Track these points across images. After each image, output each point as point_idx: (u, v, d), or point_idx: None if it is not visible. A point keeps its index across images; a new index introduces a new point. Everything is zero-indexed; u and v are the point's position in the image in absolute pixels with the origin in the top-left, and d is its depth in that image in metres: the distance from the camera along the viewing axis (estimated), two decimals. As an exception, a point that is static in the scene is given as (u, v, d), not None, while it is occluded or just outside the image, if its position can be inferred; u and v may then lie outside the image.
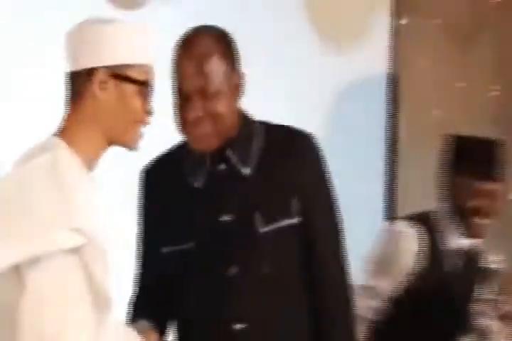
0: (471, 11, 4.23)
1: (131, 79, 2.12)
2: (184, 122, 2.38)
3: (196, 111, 2.33)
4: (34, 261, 1.92)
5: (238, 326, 2.35)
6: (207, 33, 2.41)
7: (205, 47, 2.37)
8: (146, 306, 2.50)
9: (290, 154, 2.45)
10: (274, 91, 3.89)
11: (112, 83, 2.12)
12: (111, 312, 2.05)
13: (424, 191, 4.05)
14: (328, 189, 2.50)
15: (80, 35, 2.17)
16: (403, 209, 4.07)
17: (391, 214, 4.13)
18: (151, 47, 2.21)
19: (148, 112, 2.15)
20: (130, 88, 2.13)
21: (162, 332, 2.50)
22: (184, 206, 2.43)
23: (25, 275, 1.92)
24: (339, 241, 2.51)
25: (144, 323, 2.38)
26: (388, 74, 4.16)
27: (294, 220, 2.40)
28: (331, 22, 4.17)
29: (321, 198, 2.49)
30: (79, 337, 1.96)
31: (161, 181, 2.50)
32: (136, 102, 2.14)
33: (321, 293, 2.46)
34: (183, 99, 2.36)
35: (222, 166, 2.40)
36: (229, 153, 2.40)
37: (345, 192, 3.29)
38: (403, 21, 4.11)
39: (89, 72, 2.11)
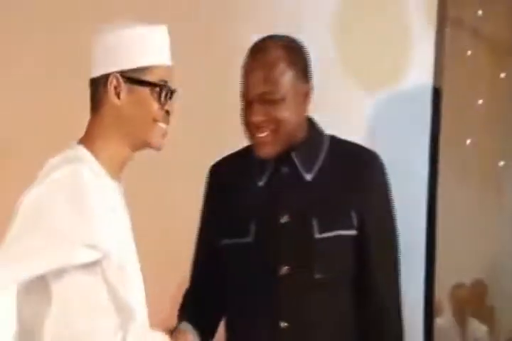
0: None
1: (144, 82, 2.15)
2: (247, 126, 2.43)
3: (258, 116, 2.38)
4: (58, 273, 1.96)
5: (283, 324, 2.39)
6: (277, 41, 2.46)
7: (273, 55, 2.42)
8: (194, 307, 2.56)
9: (356, 169, 2.50)
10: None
11: (125, 87, 2.15)
12: (136, 321, 2.07)
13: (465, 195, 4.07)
14: (390, 207, 2.54)
15: (96, 42, 2.22)
16: (444, 215, 3.95)
17: (433, 219, 3.95)
18: (165, 47, 2.24)
19: (167, 112, 2.18)
20: (144, 90, 2.16)
21: (208, 333, 2.54)
22: (246, 201, 2.48)
23: (51, 287, 1.96)
24: (392, 255, 2.53)
25: (185, 325, 2.42)
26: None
27: (351, 232, 2.45)
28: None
29: (381, 215, 2.53)
30: (108, 329, 1.99)
31: (228, 176, 2.56)
32: (153, 104, 2.16)
33: (372, 299, 2.49)
34: (248, 104, 2.41)
35: (286, 169, 2.45)
36: (294, 157, 2.44)
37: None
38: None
39: (105, 79, 2.15)
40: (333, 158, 2.52)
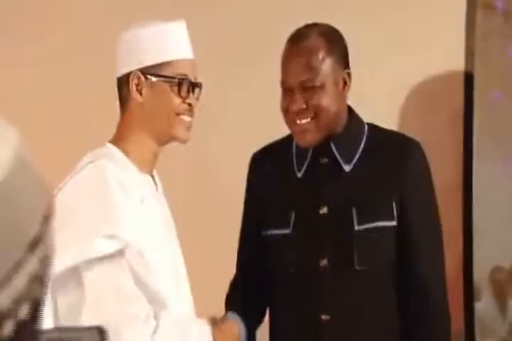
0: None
1: (163, 77, 2.19)
2: (287, 114, 2.42)
3: (299, 103, 2.37)
4: (88, 264, 2.02)
5: (324, 317, 2.37)
6: (315, 30, 2.44)
7: (312, 43, 2.41)
8: (240, 297, 2.55)
9: (396, 158, 2.47)
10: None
11: (147, 84, 2.19)
12: (167, 309, 2.11)
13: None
14: (431, 197, 2.52)
15: (119, 43, 2.26)
16: (481, 198, 3.97)
17: (469, 201, 3.98)
18: (184, 42, 2.26)
19: (190, 104, 2.20)
20: (165, 85, 2.20)
21: (254, 323, 2.52)
22: (286, 192, 2.46)
23: (82, 278, 2.02)
24: (436, 245, 2.50)
25: (231, 315, 2.41)
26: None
27: (392, 223, 2.42)
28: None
29: (422, 206, 2.50)
30: (135, 332, 2.04)
31: (268, 167, 2.54)
32: (174, 98, 2.20)
33: (416, 290, 2.45)
34: (288, 92, 2.40)
35: (325, 160, 2.43)
36: (333, 147, 2.41)
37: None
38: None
39: (127, 77, 2.20)
40: (372, 147, 2.48)
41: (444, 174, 3.89)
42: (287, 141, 2.54)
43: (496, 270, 4.01)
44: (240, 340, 2.38)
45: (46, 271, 0.62)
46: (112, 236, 2.03)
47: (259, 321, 2.57)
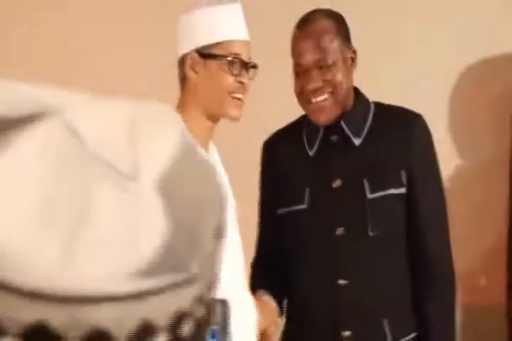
0: None
1: (216, 56, 2.26)
2: (304, 94, 2.50)
3: (316, 81, 2.46)
4: None
5: (341, 282, 2.45)
6: (321, 14, 2.55)
7: (321, 26, 2.51)
8: (263, 274, 2.64)
9: (401, 130, 2.55)
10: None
11: (200, 63, 2.27)
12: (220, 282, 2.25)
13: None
14: (436, 166, 2.59)
15: (178, 26, 2.35)
16: None
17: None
18: (238, 23, 2.32)
19: (241, 82, 2.27)
20: (217, 64, 2.27)
21: (280, 297, 2.59)
22: (299, 171, 2.56)
23: None
24: (442, 208, 2.57)
25: (263, 293, 2.47)
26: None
27: (401, 190, 2.49)
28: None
29: (428, 173, 2.57)
30: None
31: (281, 150, 2.65)
32: (226, 76, 2.27)
33: (424, 252, 2.53)
34: (302, 73, 2.49)
35: (335, 137, 2.52)
36: (343, 124, 2.51)
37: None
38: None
39: (184, 58, 2.28)
40: (379, 121, 2.57)
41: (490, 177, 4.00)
42: (296, 124, 2.65)
43: None
44: (277, 312, 2.48)
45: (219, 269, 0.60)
46: None
47: (285, 294, 2.63)
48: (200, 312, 0.51)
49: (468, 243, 3.79)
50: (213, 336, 0.78)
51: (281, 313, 2.57)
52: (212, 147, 2.40)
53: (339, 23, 2.56)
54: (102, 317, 0.45)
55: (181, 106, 2.32)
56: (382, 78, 3.97)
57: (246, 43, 2.33)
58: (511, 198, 4.06)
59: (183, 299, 0.49)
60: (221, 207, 0.55)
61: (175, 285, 0.48)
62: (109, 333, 0.46)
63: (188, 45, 2.29)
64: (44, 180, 0.46)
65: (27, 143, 0.46)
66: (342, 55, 2.51)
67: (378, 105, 2.62)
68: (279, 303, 2.57)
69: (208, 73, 2.27)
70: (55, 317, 0.45)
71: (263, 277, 2.62)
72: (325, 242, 2.49)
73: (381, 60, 4.03)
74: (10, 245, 0.45)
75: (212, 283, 0.54)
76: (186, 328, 0.49)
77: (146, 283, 0.47)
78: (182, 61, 2.30)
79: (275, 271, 2.63)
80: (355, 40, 2.75)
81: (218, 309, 0.80)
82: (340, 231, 2.47)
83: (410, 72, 4.05)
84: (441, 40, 4.08)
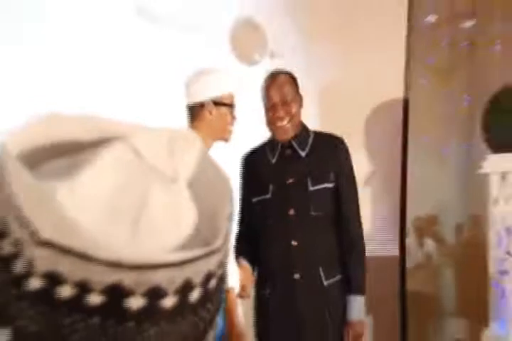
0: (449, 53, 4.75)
1: (225, 104, 2.69)
2: (272, 121, 2.91)
3: (281, 112, 2.89)
4: None
5: (293, 243, 2.92)
6: (282, 72, 3.05)
7: (284, 78, 2.98)
8: (243, 246, 2.96)
9: (331, 147, 2.98)
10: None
11: (215, 109, 2.67)
12: None
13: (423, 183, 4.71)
14: (352, 168, 3.04)
15: (190, 82, 2.70)
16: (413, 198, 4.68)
17: (404, 196, 4.68)
18: (231, 82, 2.71)
19: (234, 119, 2.70)
20: (225, 109, 2.69)
21: (253, 261, 2.95)
22: (265, 173, 2.99)
23: None
24: (356, 195, 3.05)
25: (242, 259, 2.79)
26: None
27: (331, 185, 2.96)
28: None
29: (347, 174, 3.02)
30: None
31: (253, 160, 3.06)
32: (228, 116, 2.68)
33: (344, 225, 3.00)
34: (273, 107, 2.89)
35: (289, 151, 2.96)
36: (293, 143, 2.97)
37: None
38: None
39: (200, 103, 2.67)
40: (316, 141, 2.98)
41: (386, 167, 4.60)
42: (262, 144, 3.06)
43: (416, 218, 4.63)
44: (252, 274, 2.86)
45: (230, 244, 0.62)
46: None
47: (255, 261, 2.98)
48: (221, 271, 0.58)
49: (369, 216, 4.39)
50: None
51: (253, 272, 2.92)
52: None
53: (293, 78, 3.01)
54: (159, 278, 0.52)
55: (198, 134, 2.85)
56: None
57: (234, 93, 2.78)
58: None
59: (211, 264, 0.56)
60: (231, 198, 0.61)
61: (206, 255, 0.55)
62: (163, 289, 0.53)
63: (204, 96, 2.69)
64: (115, 185, 0.53)
65: (103, 159, 0.53)
66: (295, 97, 2.96)
67: (315, 131, 3.08)
68: (253, 264, 2.92)
69: (219, 115, 2.69)
70: (127, 278, 0.51)
71: (242, 246, 2.94)
72: (282, 219, 2.94)
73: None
74: (93, 227, 0.52)
75: (228, 252, 0.60)
76: (213, 283, 0.57)
77: (187, 254, 0.54)
78: (197, 105, 2.71)
79: (250, 241, 3.01)
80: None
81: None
82: (292, 211, 2.95)
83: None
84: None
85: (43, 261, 0.52)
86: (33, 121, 0.59)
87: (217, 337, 2.12)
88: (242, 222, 3.13)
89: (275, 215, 2.97)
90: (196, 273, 0.56)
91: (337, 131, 3.24)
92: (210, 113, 2.67)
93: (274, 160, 2.99)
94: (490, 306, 3.92)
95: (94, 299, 0.53)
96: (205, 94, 2.69)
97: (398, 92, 4.70)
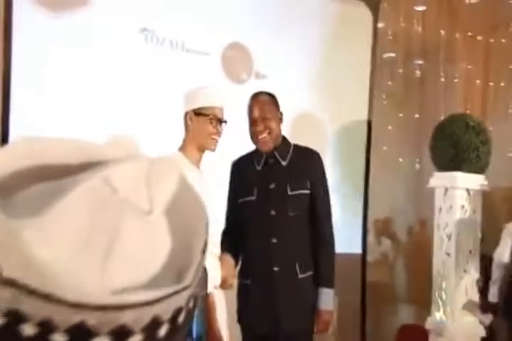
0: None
1: (203, 114, 2.51)
2: (254, 134, 2.78)
3: (261, 127, 2.75)
4: None
5: (273, 240, 2.76)
6: (265, 93, 2.89)
7: (264, 98, 2.83)
8: (228, 242, 2.75)
9: (308, 159, 2.85)
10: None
11: (194, 118, 2.51)
12: None
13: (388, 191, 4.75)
14: (325, 178, 2.90)
15: (184, 96, 2.56)
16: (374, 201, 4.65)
17: (366, 202, 4.63)
18: (218, 97, 2.55)
19: (217, 130, 2.51)
20: (204, 119, 2.51)
21: (237, 256, 2.79)
22: (251, 178, 2.84)
23: None
24: (328, 201, 2.90)
25: (226, 254, 2.63)
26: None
27: (307, 191, 2.81)
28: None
29: (321, 182, 2.87)
30: None
31: (242, 166, 2.90)
32: (208, 126, 2.50)
33: (318, 226, 2.84)
34: (254, 122, 2.76)
35: (271, 160, 2.82)
36: (276, 153, 2.83)
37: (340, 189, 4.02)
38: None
39: (186, 113, 2.54)
40: (295, 153, 2.84)
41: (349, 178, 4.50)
42: (249, 153, 2.89)
43: (376, 220, 4.68)
44: (234, 267, 2.67)
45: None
46: None
47: (239, 255, 2.82)
48: (191, 304, 0.49)
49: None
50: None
51: (236, 265, 2.73)
52: (201, 170, 2.57)
53: (274, 98, 2.86)
54: (126, 317, 0.44)
55: (184, 142, 2.55)
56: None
57: (220, 108, 2.58)
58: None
59: (182, 299, 0.47)
60: (207, 226, 0.51)
61: (176, 292, 0.46)
62: (130, 328, 0.44)
63: (189, 107, 2.56)
64: (86, 221, 0.44)
65: (75, 193, 0.44)
66: (275, 115, 2.81)
67: (294, 145, 2.90)
68: (236, 259, 2.75)
69: (198, 124, 2.52)
70: (92, 318, 0.43)
71: (227, 243, 2.73)
72: (264, 218, 2.77)
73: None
74: (59, 266, 0.43)
75: (200, 283, 0.51)
76: (182, 318, 0.48)
77: (158, 293, 0.45)
78: (185, 115, 2.57)
79: (234, 238, 2.82)
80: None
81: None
82: (273, 212, 2.78)
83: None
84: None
85: (6, 300, 0.44)
86: (13, 144, 0.49)
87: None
88: (229, 220, 2.94)
89: (258, 215, 2.80)
90: (165, 310, 0.46)
91: (314, 146, 3.10)
92: (191, 121, 2.52)
93: (259, 167, 2.84)
94: (432, 297, 3.84)
95: (58, 338, 0.44)
96: (188, 104, 2.56)
97: (363, 115, 4.65)
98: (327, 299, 2.81)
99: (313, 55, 4.39)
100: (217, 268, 2.43)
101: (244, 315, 2.86)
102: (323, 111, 4.40)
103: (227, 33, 4.12)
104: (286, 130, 3.02)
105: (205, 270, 0.90)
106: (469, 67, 4.86)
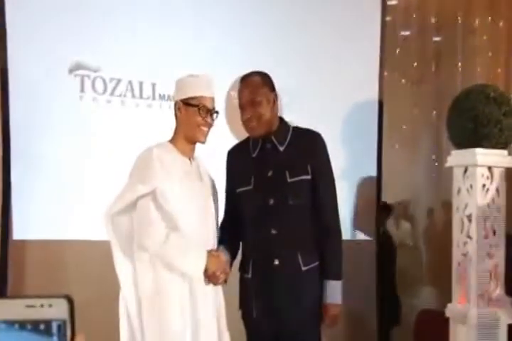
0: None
1: (192, 105, 2.34)
2: (243, 120, 2.52)
3: (249, 113, 2.49)
4: (139, 198, 2.19)
5: (273, 231, 2.49)
6: (254, 73, 2.56)
7: (253, 79, 2.53)
8: (224, 235, 2.56)
9: (308, 142, 2.55)
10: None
11: (183, 108, 2.34)
12: (179, 230, 2.19)
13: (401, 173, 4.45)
14: (328, 161, 2.57)
15: (175, 85, 2.40)
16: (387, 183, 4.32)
17: (379, 185, 4.24)
18: (208, 86, 2.37)
19: (206, 121, 2.34)
20: (193, 109, 2.33)
21: (234, 251, 2.56)
22: (247, 166, 2.57)
23: (137, 204, 2.22)
24: (332, 186, 2.58)
25: (220, 247, 2.46)
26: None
27: (308, 177, 2.50)
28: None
29: (323, 166, 2.56)
30: (156, 231, 2.19)
31: (237, 154, 2.65)
32: (197, 117, 2.33)
33: (321, 214, 2.55)
34: (243, 108, 2.50)
35: (268, 145, 2.53)
36: (273, 138, 2.52)
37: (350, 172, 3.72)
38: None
39: (175, 104, 2.38)
40: (295, 136, 2.55)
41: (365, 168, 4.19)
42: (245, 140, 2.64)
43: (394, 203, 4.42)
44: (226, 263, 2.41)
45: None
46: (143, 183, 2.20)
47: (238, 248, 2.59)
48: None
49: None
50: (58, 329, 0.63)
51: (232, 260, 2.51)
52: (197, 158, 2.44)
53: (265, 78, 2.55)
54: None
55: (175, 132, 2.40)
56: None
57: (211, 98, 2.38)
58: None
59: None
60: None
61: None
62: None
63: (177, 97, 2.39)
64: None
65: None
66: (266, 97, 2.50)
67: (294, 127, 2.59)
68: (234, 252, 2.53)
69: (187, 114, 2.35)
70: None
71: (223, 236, 2.56)
72: (263, 209, 2.50)
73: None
74: None
75: None
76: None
77: None
78: (175, 105, 2.40)
79: (233, 230, 2.61)
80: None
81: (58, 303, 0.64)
82: (271, 201, 2.49)
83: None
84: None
85: None
86: None
87: None
88: (226, 213, 2.69)
89: (256, 205, 2.52)
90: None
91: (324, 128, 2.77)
92: (180, 111, 2.35)
93: (254, 154, 2.55)
94: (452, 284, 3.44)
95: None
96: (178, 94, 2.38)
97: (373, 95, 4.23)
98: (334, 292, 2.51)
99: (317, 34, 4.06)
100: (200, 262, 2.26)
101: (247, 311, 2.58)
102: (334, 94, 4.08)
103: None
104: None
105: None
106: (491, 37, 4.37)
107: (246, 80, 2.53)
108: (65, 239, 3.29)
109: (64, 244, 3.30)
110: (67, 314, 0.63)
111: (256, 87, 2.50)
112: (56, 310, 0.62)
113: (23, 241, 3.25)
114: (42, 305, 0.63)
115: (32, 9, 3.27)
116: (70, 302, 0.64)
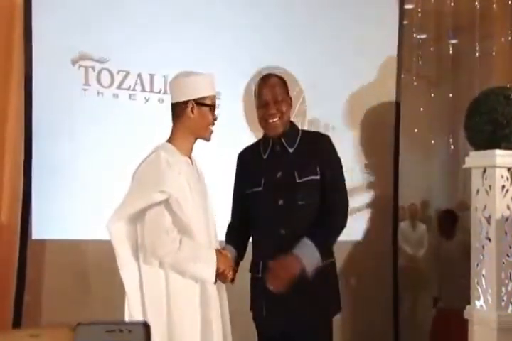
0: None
1: (206, 105, 2.20)
2: (264, 117, 2.40)
3: (273, 109, 2.38)
4: (149, 207, 2.05)
5: (283, 231, 2.35)
6: (273, 75, 2.50)
7: (275, 80, 2.44)
8: (231, 235, 2.48)
9: (316, 143, 2.43)
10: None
11: (196, 108, 2.19)
12: (191, 236, 2.08)
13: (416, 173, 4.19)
14: (337, 162, 2.45)
15: (174, 82, 2.23)
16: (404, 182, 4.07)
17: (396, 185, 4.01)
18: (213, 85, 2.25)
19: (215, 119, 2.24)
20: (206, 109, 2.20)
21: (242, 250, 2.44)
22: (257, 167, 2.46)
23: (146, 213, 2.06)
24: (342, 187, 2.42)
25: (227, 246, 2.37)
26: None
27: (316, 177, 2.38)
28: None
29: (332, 167, 2.43)
30: (170, 239, 2.05)
31: (248, 156, 2.54)
32: (209, 116, 2.21)
33: (328, 213, 2.38)
34: (266, 104, 2.38)
35: (278, 147, 2.42)
36: (283, 140, 2.42)
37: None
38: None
39: (183, 103, 2.19)
40: (303, 139, 2.45)
41: (382, 169, 3.97)
42: (256, 143, 2.55)
43: (411, 205, 4.19)
44: (232, 261, 2.31)
45: None
46: (162, 191, 2.04)
47: (245, 249, 2.48)
48: None
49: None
50: None
51: (240, 259, 2.40)
52: (193, 156, 2.29)
53: (283, 80, 2.48)
54: None
55: (177, 131, 2.22)
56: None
57: (216, 95, 2.29)
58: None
59: None
60: None
61: None
62: None
63: (186, 96, 2.21)
64: None
65: None
66: (285, 98, 2.42)
67: (303, 130, 2.51)
68: (241, 252, 2.41)
69: (199, 114, 2.21)
70: None
71: (230, 236, 2.49)
72: (273, 209, 2.37)
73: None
74: None
75: None
76: None
77: None
78: (182, 105, 2.20)
79: (241, 230, 2.52)
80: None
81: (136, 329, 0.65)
82: (281, 202, 2.37)
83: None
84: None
85: None
86: None
87: None
88: (234, 213, 2.55)
89: (266, 206, 2.38)
90: None
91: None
92: (193, 112, 2.19)
93: (265, 156, 2.44)
94: (471, 285, 3.16)
95: None
96: (189, 94, 2.19)
97: (391, 97, 4.02)
98: (307, 251, 2.23)
99: (337, 37, 3.86)
100: (212, 265, 2.14)
101: (257, 311, 2.42)
102: (354, 96, 3.89)
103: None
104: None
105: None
106: (509, 39, 4.11)
107: (269, 79, 2.45)
108: (84, 238, 3.17)
109: (83, 244, 3.18)
110: (144, 339, 0.67)
111: (279, 87, 2.44)
112: (134, 336, 0.65)
113: (42, 241, 3.15)
114: (121, 331, 0.67)
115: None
116: (147, 328, 0.67)
